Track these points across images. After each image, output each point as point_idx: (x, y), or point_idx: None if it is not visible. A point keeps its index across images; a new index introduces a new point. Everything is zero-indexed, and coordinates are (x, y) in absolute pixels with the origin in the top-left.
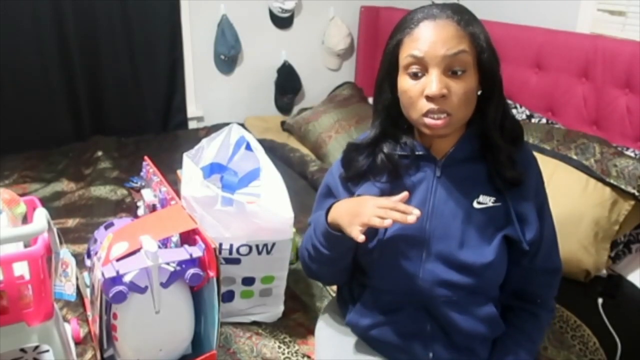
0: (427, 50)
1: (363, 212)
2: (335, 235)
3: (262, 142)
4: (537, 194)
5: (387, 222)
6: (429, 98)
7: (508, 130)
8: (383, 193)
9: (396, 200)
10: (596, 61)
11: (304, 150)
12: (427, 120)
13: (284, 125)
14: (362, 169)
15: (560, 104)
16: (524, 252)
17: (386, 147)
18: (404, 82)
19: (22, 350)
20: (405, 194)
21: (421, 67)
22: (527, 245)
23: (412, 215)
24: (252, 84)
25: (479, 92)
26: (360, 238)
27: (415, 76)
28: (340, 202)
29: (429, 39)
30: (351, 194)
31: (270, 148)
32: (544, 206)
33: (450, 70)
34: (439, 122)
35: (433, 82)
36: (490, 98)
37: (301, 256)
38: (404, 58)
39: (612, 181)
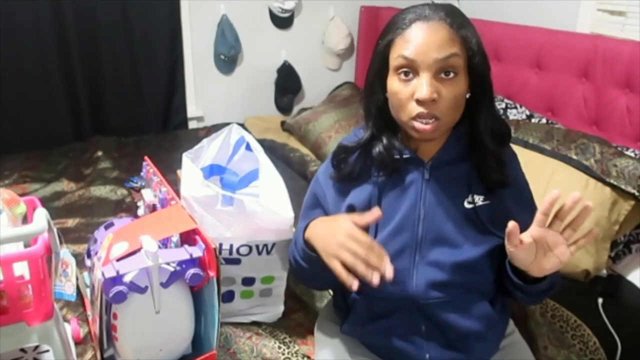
0: (418, 53)
1: (333, 241)
2: (311, 255)
3: (262, 142)
4: (524, 187)
5: (354, 285)
6: (419, 101)
7: (496, 133)
8: (372, 199)
9: (368, 219)
10: (596, 61)
11: (304, 150)
12: (416, 124)
13: (284, 125)
14: (353, 171)
15: (560, 104)
16: None
17: (379, 147)
18: (394, 84)
19: (22, 350)
20: (377, 213)
21: (411, 69)
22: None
23: (376, 277)
24: (252, 84)
25: (468, 96)
26: (354, 286)
27: (405, 77)
28: (315, 221)
29: (421, 41)
30: (342, 194)
31: (270, 148)
32: (531, 199)
33: (441, 73)
34: (427, 127)
35: (424, 85)
36: (480, 102)
37: (289, 262)
38: (394, 59)
39: (612, 181)
